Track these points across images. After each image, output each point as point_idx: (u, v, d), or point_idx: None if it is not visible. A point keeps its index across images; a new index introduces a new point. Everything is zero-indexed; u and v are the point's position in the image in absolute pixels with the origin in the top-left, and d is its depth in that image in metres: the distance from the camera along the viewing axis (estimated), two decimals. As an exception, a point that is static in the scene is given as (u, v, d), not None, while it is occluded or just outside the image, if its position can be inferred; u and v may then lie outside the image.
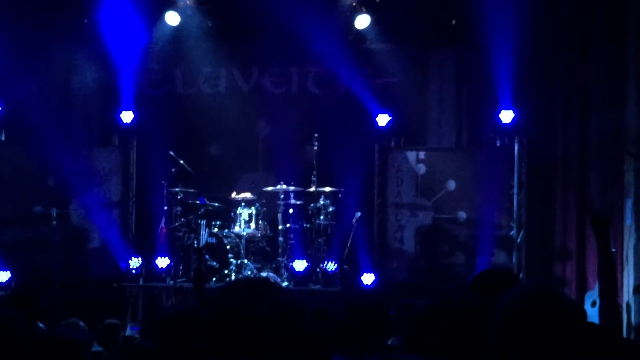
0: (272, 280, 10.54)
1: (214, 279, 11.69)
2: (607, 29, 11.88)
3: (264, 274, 11.90)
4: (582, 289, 11.58)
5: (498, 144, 12.42)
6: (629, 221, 11.41)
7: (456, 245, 12.40)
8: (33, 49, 12.74)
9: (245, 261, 11.95)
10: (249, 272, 11.83)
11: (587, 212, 10.78)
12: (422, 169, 12.61)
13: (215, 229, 12.13)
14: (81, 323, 6.53)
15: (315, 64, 13.22)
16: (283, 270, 12.03)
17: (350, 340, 4.35)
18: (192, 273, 11.56)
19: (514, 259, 12.01)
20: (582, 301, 10.76)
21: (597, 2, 11.95)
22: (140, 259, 12.10)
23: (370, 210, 12.48)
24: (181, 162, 12.34)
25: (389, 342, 5.38)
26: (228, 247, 12.02)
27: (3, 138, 12.64)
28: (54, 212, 12.26)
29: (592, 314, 8.86)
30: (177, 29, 12.90)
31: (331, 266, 11.88)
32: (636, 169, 11.45)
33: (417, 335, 3.13)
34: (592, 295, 10.52)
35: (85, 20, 12.58)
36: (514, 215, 12.03)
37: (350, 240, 12.11)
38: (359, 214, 12.11)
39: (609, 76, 11.96)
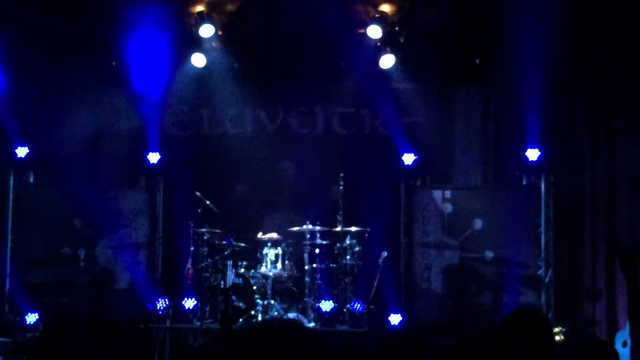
0: (298, 321, 10.48)
1: (240, 320, 11.66)
2: (630, 67, 11.90)
3: (290, 315, 11.89)
4: (613, 329, 11.48)
5: (525, 182, 12.37)
6: (658, 259, 11.30)
7: (483, 285, 12.33)
8: (60, 91, 12.88)
9: (272, 302, 11.92)
10: (276, 313, 11.80)
11: (615, 250, 10.70)
12: (448, 207, 12.57)
13: (242, 270, 12.11)
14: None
15: (340, 104, 13.32)
16: (310, 310, 11.99)
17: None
18: (218, 314, 11.57)
19: (543, 299, 11.90)
20: (613, 341, 10.65)
21: (620, 40, 11.97)
22: (167, 300, 12.09)
23: (397, 250, 12.43)
24: (207, 202, 12.39)
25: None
26: (254, 287, 12.02)
27: (31, 180, 12.74)
28: (81, 253, 12.34)
29: (624, 353, 8.80)
30: (203, 70, 13.05)
31: (358, 306, 11.84)
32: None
33: None
34: (623, 336, 10.41)
35: (113, 63, 12.76)
36: (542, 253, 11.94)
37: (377, 280, 12.05)
38: (385, 254, 12.07)
39: (633, 113, 11.96)
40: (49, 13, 11.95)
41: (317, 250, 12.21)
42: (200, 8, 12.70)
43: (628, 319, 5.45)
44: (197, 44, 12.82)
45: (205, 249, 12.34)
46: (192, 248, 12.31)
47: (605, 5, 11.75)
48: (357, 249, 12.16)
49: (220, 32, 12.85)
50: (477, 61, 12.82)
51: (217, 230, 12.40)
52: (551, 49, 11.12)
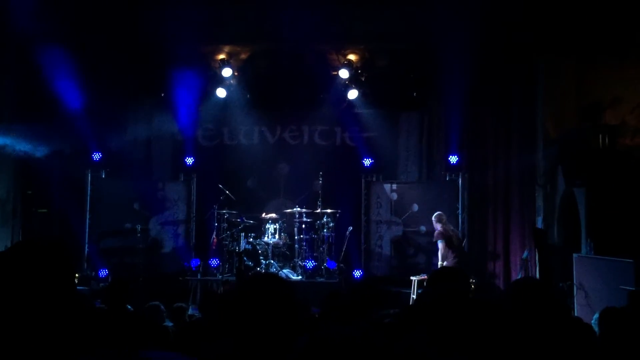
0: (281, 275, 10.42)
1: (249, 274, 11.61)
2: (524, 98, 11.95)
3: (285, 271, 11.88)
4: (507, 280, 11.55)
5: (447, 178, 12.43)
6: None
7: (419, 250, 12.36)
8: (124, 113, 12.86)
9: (272, 261, 11.92)
10: (274, 269, 11.79)
11: (531, 228, 10.84)
12: (394, 196, 12.61)
13: (251, 239, 12.10)
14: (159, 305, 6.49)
15: (320, 123, 13.34)
16: (298, 267, 12.00)
17: (350, 312, 4.36)
18: (234, 270, 11.55)
19: (460, 259, 11.96)
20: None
21: (516, 78, 11.99)
22: (198, 260, 12.08)
23: (359, 225, 12.46)
24: (227, 192, 12.37)
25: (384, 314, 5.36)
26: (260, 251, 12.00)
27: (104, 175, 12.67)
28: (138, 227, 12.26)
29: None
30: (224, 99, 13.01)
31: (332, 265, 11.85)
32: (544, 195, 11.46)
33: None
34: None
35: (162, 94, 12.70)
36: (459, 228, 11.99)
37: (345, 247, 12.09)
38: (350, 228, 12.10)
39: (525, 131, 12.02)
40: (119, 57, 11.86)
41: (303, 226, 12.22)
42: (222, 56, 12.66)
43: (539, 271, 5.54)
44: (220, 81, 12.77)
45: (225, 225, 12.33)
46: (216, 224, 12.30)
47: (501, 59, 11.76)
48: (331, 224, 12.17)
49: (236, 73, 12.80)
50: (415, 94, 12.85)
51: (234, 212, 12.38)
52: (466, 87, 11.16)
